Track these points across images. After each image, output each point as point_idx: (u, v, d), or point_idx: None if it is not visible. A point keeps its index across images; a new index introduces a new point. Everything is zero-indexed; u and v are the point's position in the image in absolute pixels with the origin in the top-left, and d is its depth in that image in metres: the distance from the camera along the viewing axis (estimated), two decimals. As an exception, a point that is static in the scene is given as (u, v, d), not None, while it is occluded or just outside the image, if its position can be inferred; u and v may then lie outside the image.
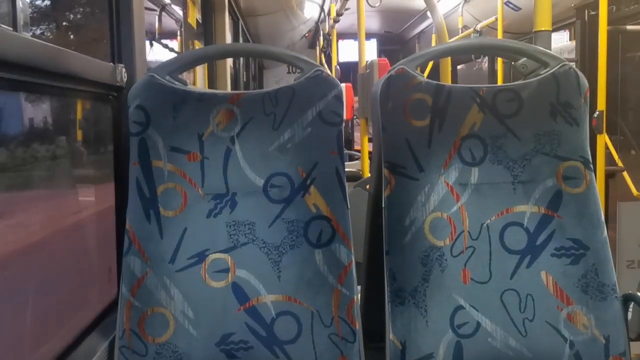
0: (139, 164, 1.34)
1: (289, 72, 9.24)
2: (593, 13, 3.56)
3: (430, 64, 5.54)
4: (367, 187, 1.89)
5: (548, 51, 1.44)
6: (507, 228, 1.35)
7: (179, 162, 1.34)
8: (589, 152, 1.38)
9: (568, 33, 5.05)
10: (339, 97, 1.36)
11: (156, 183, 1.33)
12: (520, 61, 1.44)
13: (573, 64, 1.41)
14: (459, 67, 7.31)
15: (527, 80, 1.40)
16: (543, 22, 1.84)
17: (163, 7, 2.73)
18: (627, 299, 1.31)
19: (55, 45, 1.15)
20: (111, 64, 1.45)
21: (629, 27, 3.12)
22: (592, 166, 1.37)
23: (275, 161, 1.35)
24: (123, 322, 1.29)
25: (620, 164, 3.22)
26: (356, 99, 4.82)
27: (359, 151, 4.79)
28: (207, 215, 1.33)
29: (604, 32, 2.95)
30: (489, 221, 1.35)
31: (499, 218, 1.35)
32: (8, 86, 1.09)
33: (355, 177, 3.30)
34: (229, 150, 1.35)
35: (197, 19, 3.30)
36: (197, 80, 3.36)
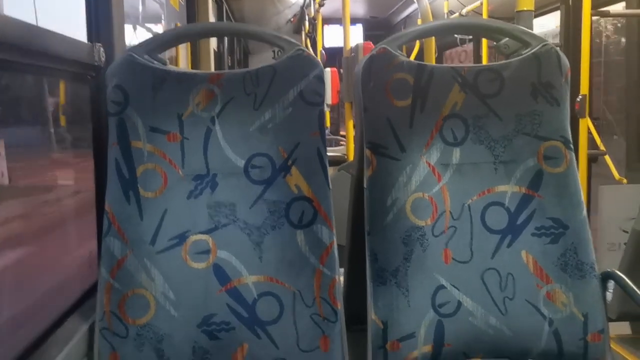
0: (118, 145, 1.32)
1: (274, 57, 9.17)
2: None
3: (416, 50, 5.53)
4: (351, 170, 1.89)
5: (529, 31, 1.43)
6: (488, 208, 1.35)
7: (159, 142, 1.33)
8: (570, 132, 1.38)
9: (553, 19, 5.06)
10: (320, 77, 1.35)
11: (135, 164, 1.32)
12: (502, 41, 1.44)
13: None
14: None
15: (508, 60, 1.40)
16: (525, 2, 1.84)
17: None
18: (605, 277, 1.33)
19: (31, 23, 1.13)
20: (89, 42, 1.42)
21: (612, 11, 3.13)
22: (572, 146, 1.38)
23: (256, 142, 1.34)
24: (103, 304, 1.28)
25: (602, 147, 3.24)
26: (342, 83, 4.80)
27: (344, 136, 4.79)
28: (187, 196, 1.32)
29: (587, 16, 2.96)
30: (470, 201, 1.35)
31: (480, 198, 1.35)
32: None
33: (340, 161, 3.30)
34: (209, 131, 1.34)
35: (179, 1, 3.26)
36: (180, 64, 3.33)
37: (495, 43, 1.48)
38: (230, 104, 1.35)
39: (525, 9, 1.83)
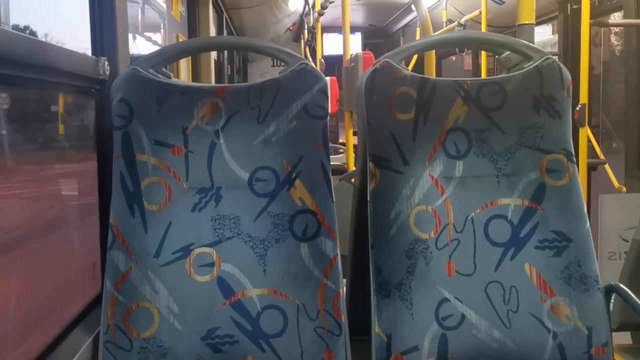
0: (123, 158, 1.32)
1: (273, 65, 9.22)
2: (575, 7, 3.59)
3: (415, 58, 5.56)
4: (352, 180, 1.89)
5: (531, 44, 1.44)
6: (492, 221, 1.35)
7: (163, 155, 1.33)
8: (572, 145, 1.39)
9: (550, 27, 5.09)
10: (324, 91, 1.35)
11: (140, 177, 1.32)
12: (504, 54, 1.45)
13: (556, 57, 1.42)
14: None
15: (511, 74, 1.40)
16: (526, 16, 1.85)
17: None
18: (609, 290, 1.33)
19: (36, 38, 1.13)
20: (93, 56, 1.43)
21: (610, 21, 3.15)
22: (574, 159, 1.38)
23: (260, 155, 1.35)
24: (107, 317, 1.28)
25: (601, 156, 3.25)
26: (341, 92, 4.80)
27: (343, 144, 4.79)
28: (192, 209, 1.32)
29: (586, 26, 2.97)
30: (473, 214, 1.36)
31: (483, 211, 1.36)
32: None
33: (340, 171, 3.30)
34: (214, 144, 1.35)
35: (180, 12, 3.28)
36: (181, 73, 3.34)
37: (496, 56, 1.49)
38: (234, 118, 1.35)
39: (526, 22, 1.84)
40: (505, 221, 1.35)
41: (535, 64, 1.38)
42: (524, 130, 1.38)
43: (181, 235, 1.31)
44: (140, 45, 2.71)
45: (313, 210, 1.32)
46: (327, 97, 1.36)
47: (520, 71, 1.39)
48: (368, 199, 1.36)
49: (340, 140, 7.02)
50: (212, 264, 1.31)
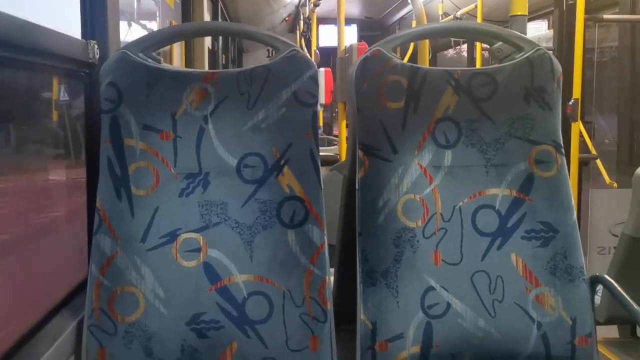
0: (110, 142, 1.32)
1: (268, 57, 9.18)
2: (571, 2, 3.59)
3: (410, 51, 5.56)
4: (344, 171, 1.89)
5: (523, 35, 1.44)
6: (479, 210, 1.36)
7: (152, 140, 1.33)
8: (561, 137, 1.39)
9: (546, 22, 5.09)
10: (314, 78, 1.35)
11: (128, 162, 1.32)
12: (496, 45, 1.45)
13: (550, 52, 1.42)
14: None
15: (502, 64, 1.40)
16: (519, 7, 1.86)
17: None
18: (594, 281, 1.34)
19: (24, 19, 1.12)
20: (83, 39, 1.42)
21: (605, 16, 3.15)
22: (563, 150, 1.39)
23: (249, 141, 1.34)
24: (92, 301, 1.27)
25: (593, 151, 3.27)
26: (335, 84, 4.79)
27: (337, 136, 4.79)
28: (179, 194, 1.32)
29: (580, 21, 2.98)
30: (461, 203, 1.36)
31: (471, 200, 1.36)
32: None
33: (332, 161, 3.31)
34: (202, 130, 1.34)
35: (174, -1, 3.26)
36: (174, 62, 3.33)
37: (489, 47, 1.49)
38: (223, 103, 1.35)
39: (519, 13, 1.85)
40: (492, 211, 1.36)
41: (526, 55, 1.38)
42: (514, 121, 1.38)
43: (168, 220, 1.31)
44: (136, 33, 2.69)
45: (301, 198, 1.32)
46: (317, 84, 1.36)
47: (511, 62, 1.39)
48: (356, 187, 1.36)
49: (335, 133, 7.02)
50: (198, 250, 1.30)
